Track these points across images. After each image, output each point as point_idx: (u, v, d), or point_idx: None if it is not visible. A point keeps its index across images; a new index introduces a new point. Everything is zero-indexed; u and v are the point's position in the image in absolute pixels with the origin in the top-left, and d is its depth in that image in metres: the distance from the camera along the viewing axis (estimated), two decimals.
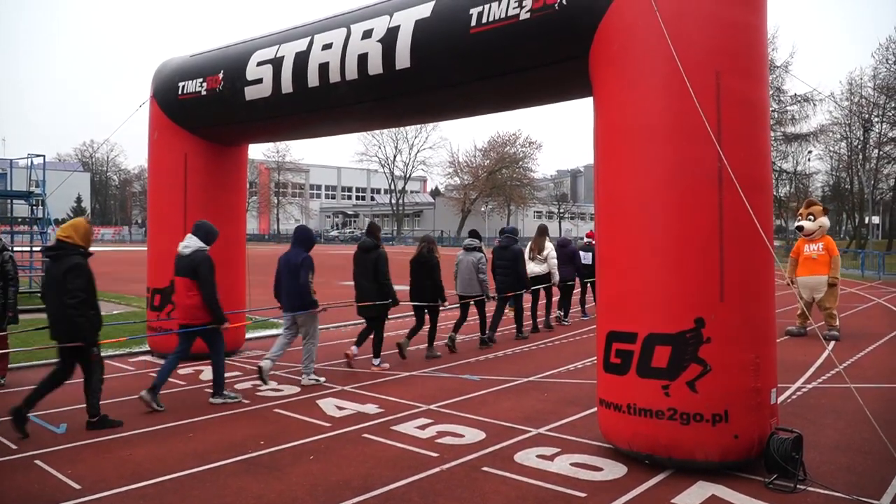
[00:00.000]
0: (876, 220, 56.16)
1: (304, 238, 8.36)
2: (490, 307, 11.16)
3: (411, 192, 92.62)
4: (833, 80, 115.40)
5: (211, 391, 7.32)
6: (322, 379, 8.20)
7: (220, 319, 7.14)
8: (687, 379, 4.96)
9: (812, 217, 11.39)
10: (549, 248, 12.27)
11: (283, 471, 5.22)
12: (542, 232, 12.58)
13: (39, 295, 6.56)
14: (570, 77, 6.23)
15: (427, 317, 9.84)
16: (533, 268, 12.03)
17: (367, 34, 7.28)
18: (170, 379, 8.10)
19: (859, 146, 48.61)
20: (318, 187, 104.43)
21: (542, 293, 12.45)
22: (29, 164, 18.03)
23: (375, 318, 8.96)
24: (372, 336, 9.08)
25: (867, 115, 46.44)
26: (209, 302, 7.06)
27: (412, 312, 10.15)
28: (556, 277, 12.26)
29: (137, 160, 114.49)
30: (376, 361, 9.01)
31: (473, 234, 11.22)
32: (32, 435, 6.09)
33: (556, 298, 13.17)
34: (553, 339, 11.48)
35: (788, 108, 44.13)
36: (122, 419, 6.49)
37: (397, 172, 79.79)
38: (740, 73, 5.13)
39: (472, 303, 10.61)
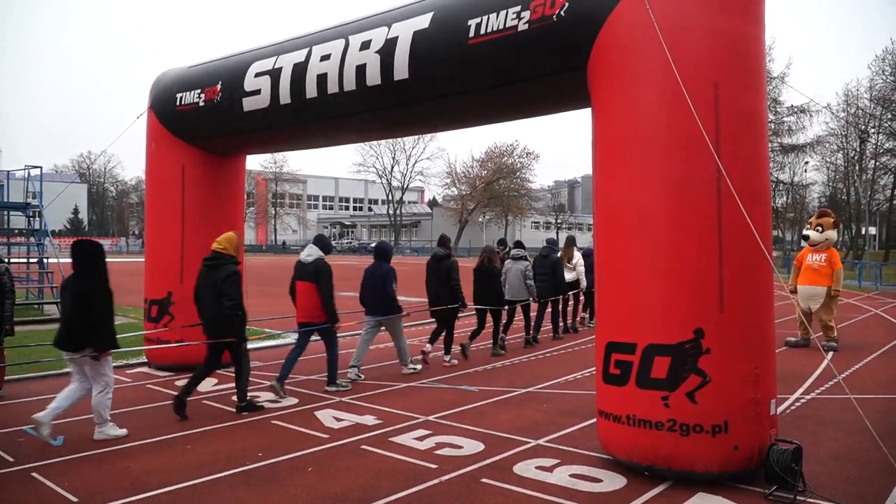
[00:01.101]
0: (872, 230, 56.36)
1: (384, 251, 9.46)
2: (530, 309, 12.11)
3: (409, 202, 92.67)
4: (829, 91, 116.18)
5: (200, 400, 7.35)
6: (419, 367, 9.42)
7: (334, 319, 8.17)
8: (686, 390, 4.96)
9: (821, 228, 11.39)
10: (577, 257, 13.47)
11: (282, 482, 5.19)
12: (571, 243, 13.83)
13: (194, 298, 7.48)
14: (568, 88, 6.25)
15: (490, 319, 11.06)
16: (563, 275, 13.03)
17: (365, 45, 7.30)
18: (167, 391, 8.09)
19: (856, 157, 48.87)
20: (316, 198, 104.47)
21: (571, 298, 13.55)
22: (26, 175, 18.02)
23: (447, 318, 10.06)
24: (443, 335, 10.17)
25: (863, 126, 46.70)
26: (327, 303, 8.08)
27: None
28: (584, 284, 13.33)
29: (135, 171, 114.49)
30: (447, 357, 10.15)
31: (519, 244, 12.12)
32: (29, 447, 6.06)
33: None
34: (552, 349, 11.46)
35: (785, 118, 44.41)
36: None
37: (395, 183, 79.95)
38: (738, 83, 5.15)
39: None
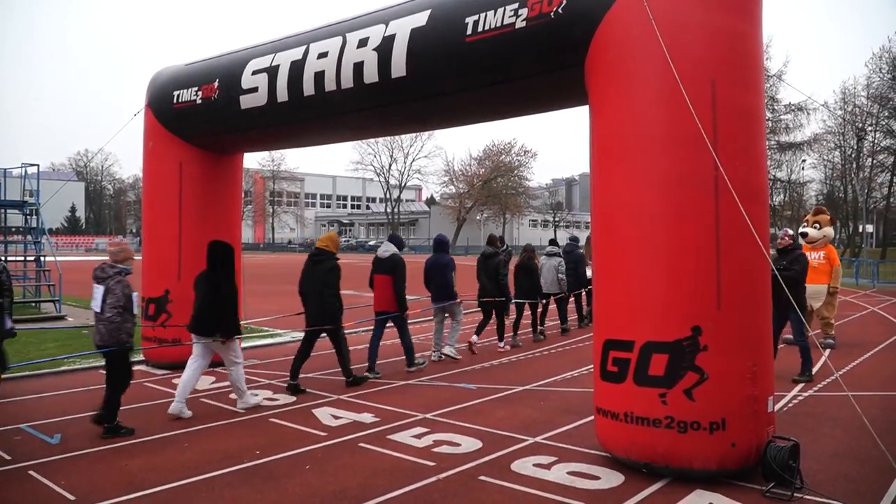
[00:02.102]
0: (870, 228, 56.44)
1: (444, 244, 10.52)
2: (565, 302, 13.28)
3: (406, 200, 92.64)
4: (827, 89, 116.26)
5: (198, 398, 7.32)
6: (459, 357, 10.16)
7: (405, 307, 9.12)
8: (684, 387, 4.96)
9: (818, 225, 11.39)
10: None
11: (279, 481, 5.18)
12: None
13: (299, 289, 8.44)
14: (566, 86, 6.24)
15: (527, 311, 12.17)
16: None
17: (362, 43, 7.29)
18: (165, 389, 8.08)
19: (853, 155, 48.87)
20: (314, 196, 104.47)
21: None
22: (23, 173, 17.98)
23: (495, 309, 11.04)
24: (484, 326, 11.16)
25: (861, 125, 46.71)
26: (400, 294, 9.01)
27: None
28: None
29: (132, 169, 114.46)
30: (501, 344, 11.15)
31: (553, 242, 13.48)
32: (26, 446, 6.05)
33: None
34: (550, 347, 11.46)
35: (782, 116, 44.36)
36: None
37: (392, 181, 79.88)
38: (736, 82, 5.15)
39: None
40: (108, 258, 6.47)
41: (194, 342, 7.25)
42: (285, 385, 8.14)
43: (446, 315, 10.45)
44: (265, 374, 9.10)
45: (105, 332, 6.22)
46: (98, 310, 6.27)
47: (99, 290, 6.26)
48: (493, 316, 11.18)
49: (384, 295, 9.14)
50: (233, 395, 7.66)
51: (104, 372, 6.56)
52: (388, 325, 9.27)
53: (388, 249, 9.31)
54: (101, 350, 6.33)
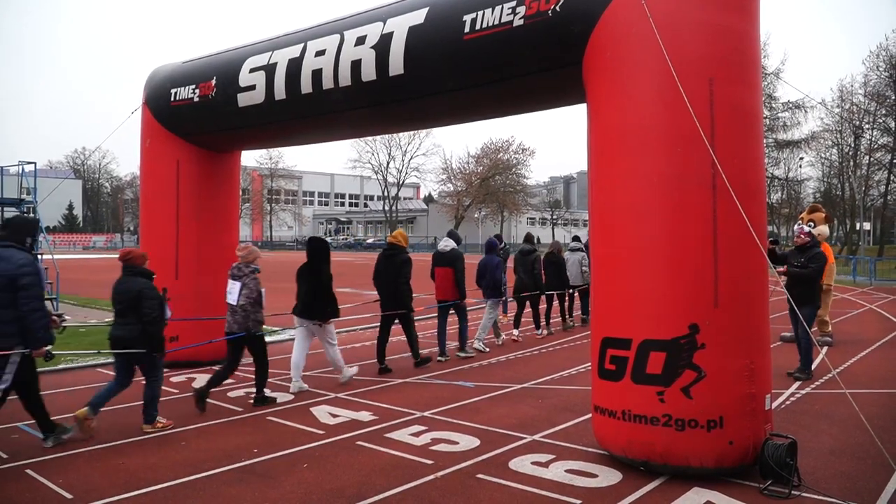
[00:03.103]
0: (867, 226, 56.48)
1: (493, 245, 11.60)
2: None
3: (404, 198, 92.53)
4: (824, 86, 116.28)
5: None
6: (487, 349, 10.83)
7: (464, 296, 10.26)
8: (682, 385, 4.96)
9: (812, 223, 11.39)
10: None
11: (278, 479, 5.18)
12: None
13: (374, 280, 9.68)
14: (564, 83, 6.24)
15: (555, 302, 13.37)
16: None
17: (360, 41, 7.28)
18: (163, 387, 8.03)
19: (850, 153, 48.92)
20: (312, 194, 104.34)
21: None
22: (20, 171, 17.93)
23: (530, 299, 12.25)
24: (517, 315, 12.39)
25: (858, 122, 46.74)
26: (460, 282, 10.14)
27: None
28: None
29: (129, 167, 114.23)
30: (539, 331, 12.31)
31: (576, 238, 14.30)
32: (23, 444, 6.05)
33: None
34: (547, 345, 11.47)
35: (780, 114, 44.38)
36: (115, 427, 6.45)
37: (390, 179, 79.66)
38: (734, 79, 5.15)
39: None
40: (238, 259, 7.59)
41: (297, 325, 8.39)
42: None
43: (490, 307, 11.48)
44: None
45: (240, 321, 7.31)
46: (234, 302, 7.36)
47: (236, 285, 7.40)
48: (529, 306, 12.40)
49: (445, 285, 10.25)
50: (231, 394, 7.66)
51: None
52: (450, 312, 10.40)
53: (448, 245, 10.50)
54: (233, 336, 7.34)
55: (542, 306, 12.74)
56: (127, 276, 6.59)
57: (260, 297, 7.43)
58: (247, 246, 7.76)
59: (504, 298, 12.24)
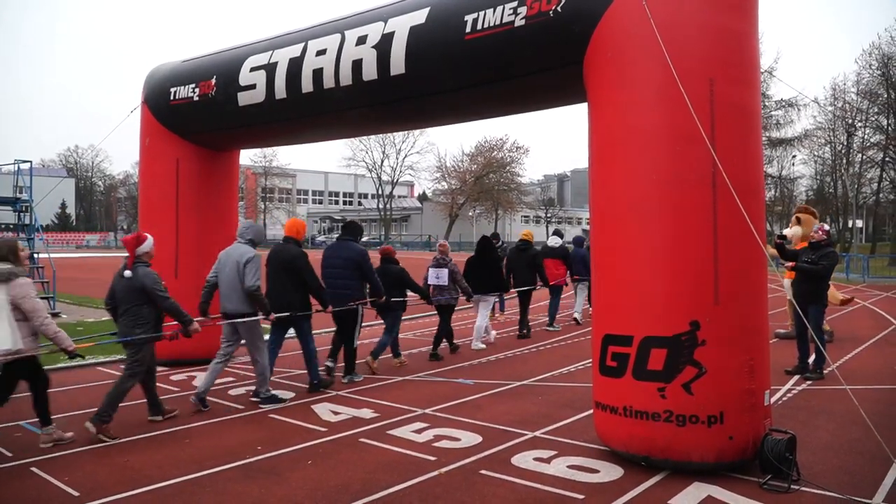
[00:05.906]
0: (860, 223, 56.71)
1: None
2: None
3: (399, 197, 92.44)
4: (817, 85, 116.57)
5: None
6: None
7: (546, 283, 12.48)
8: (682, 381, 5.02)
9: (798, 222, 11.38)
10: None
11: (283, 476, 5.22)
12: None
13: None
14: (564, 83, 6.29)
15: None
16: None
17: (361, 40, 7.31)
18: (161, 385, 8.06)
19: (843, 151, 49.11)
20: (306, 192, 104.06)
21: None
22: (15, 169, 17.88)
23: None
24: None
25: (851, 120, 46.94)
26: (570, 268, 13.27)
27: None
28: None
29: (122, 166, 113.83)
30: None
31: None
32: (27, 442, 6.07)
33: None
34: (547, 342, 11.53)
35: (773, 112, 44.50)
36: (118, 425, 6.45)
37: (385, 177, 79.54)
38: (733, 79, 5.21)
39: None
40: (437, 253, 10.34)
41: (473, 301, 10.81)
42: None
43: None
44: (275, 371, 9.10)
45: (446, 294, 10.10)
46: (445, 283, 9.99)
47: (444, 272, 10.01)
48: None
49: (555, 273, 12.88)
50: (231, 392, 7.66)
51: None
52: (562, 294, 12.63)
53: (557, 241, 13.48)
54: (439, 303, 10.17)
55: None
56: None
57: (458, 276, 10.17)
58: (443, 244, 10.67)
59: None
